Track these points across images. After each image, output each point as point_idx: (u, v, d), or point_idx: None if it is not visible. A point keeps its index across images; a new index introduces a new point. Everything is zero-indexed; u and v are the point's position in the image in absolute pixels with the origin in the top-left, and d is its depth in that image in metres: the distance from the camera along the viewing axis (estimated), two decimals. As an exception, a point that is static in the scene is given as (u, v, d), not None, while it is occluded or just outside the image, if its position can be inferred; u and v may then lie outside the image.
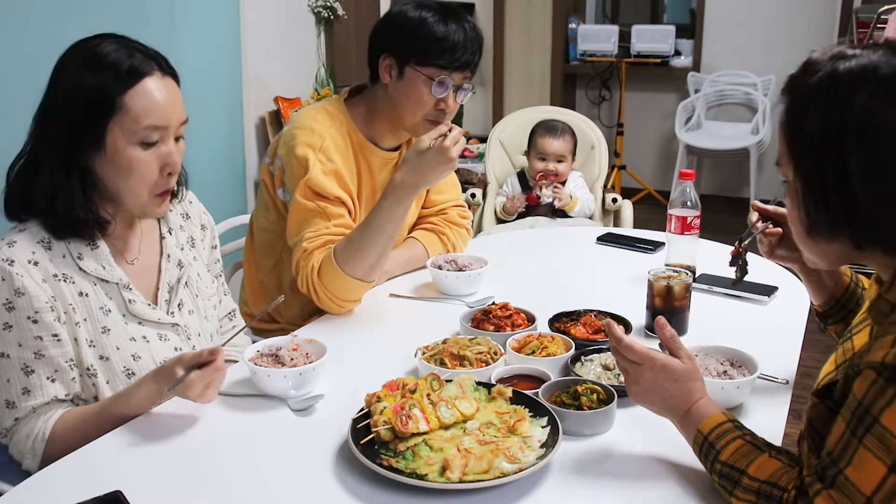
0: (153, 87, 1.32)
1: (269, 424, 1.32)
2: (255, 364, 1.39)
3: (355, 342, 1.63)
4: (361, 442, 1.17)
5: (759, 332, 1.60)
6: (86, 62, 1.31)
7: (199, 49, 3.30)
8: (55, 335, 1.31)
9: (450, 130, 1.67)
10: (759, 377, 1.37)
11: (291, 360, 1.41)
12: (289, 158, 1.79)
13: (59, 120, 1.32)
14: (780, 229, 1.44)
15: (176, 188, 1.44)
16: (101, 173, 1.34)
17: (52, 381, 1.32)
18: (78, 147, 1.31)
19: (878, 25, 3.64)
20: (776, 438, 1.27)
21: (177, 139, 1.38)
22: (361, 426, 1.21)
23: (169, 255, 1.50)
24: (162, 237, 1.51)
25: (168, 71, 1.37)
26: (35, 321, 1.29)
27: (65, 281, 1.34)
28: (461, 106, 1.94)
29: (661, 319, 1.23)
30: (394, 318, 1.78)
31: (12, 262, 1.29)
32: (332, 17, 4.36)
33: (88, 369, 1.36)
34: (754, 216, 1.49)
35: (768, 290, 1.84)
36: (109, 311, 1.39)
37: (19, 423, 1.32)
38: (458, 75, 1.78)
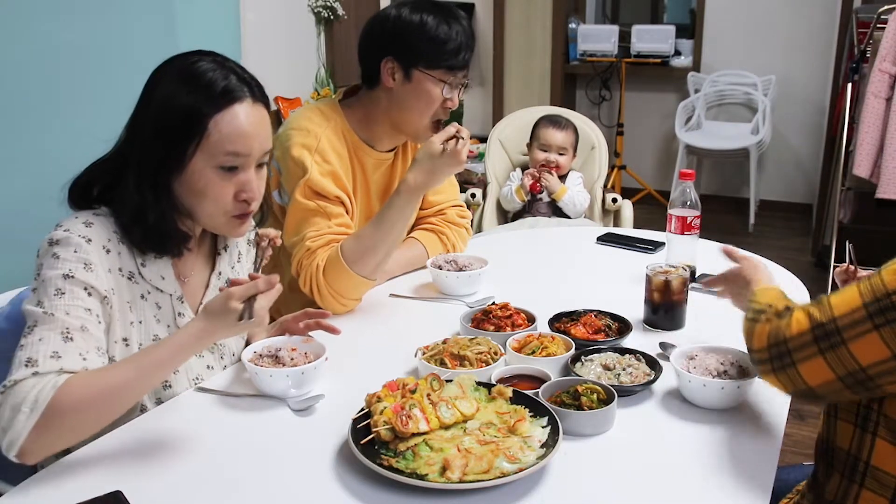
0: (242, 113, 1.30)
1: (269, 424, 1.32)
2: (256, 365, 1.39)
3: (355, 342, 1.63)
4: (361, 442, 1.17)
5: (759, 332, 1.60)
6: (182, 79, 1.29)
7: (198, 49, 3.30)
8: (98, 317, 1.27)
9: (457, 132, 1.70)
10: (759, 377, 1.37)
11: (291, 359, 1.41)
12: (285, 160, 1.80)
13: (148, 134, 1.29)
14: (872, 271, 1.47)
15: (259, 213, 1.42)
16: (177, 192, 1.32)
17: (84, 359, 1.21)
18: (163, 163, 1.29)
19: (878, 25, 3.63)
20: (776, 438, 1.27)
21: (260, 165, 1.35)
22: (361, 426, 1.21)
23: (220, 273, 1.49)
24: (217, 253, 1.49)
25: (260, 98, 1.35)
26: (90, 294, 1.25)
27: (130, 279, 1.33)
28: (461, 105, 1.96)
29: (727, 248, 1.56)
30: (394, 318, 1.78)
31: (90, 240, 1.27)
32: (332, 17, 4.36)
33: None
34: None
35: (768, 290, 1.83)
36: (159, 320, 1.38)
37: (34, 378, 1.16)
38: (461, 74, 1.81)
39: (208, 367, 1.47)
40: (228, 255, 1.51)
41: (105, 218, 1.32)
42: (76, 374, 1.18)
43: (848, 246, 1.53)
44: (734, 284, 1.47)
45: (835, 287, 1.50)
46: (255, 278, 1.24)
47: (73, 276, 1.24)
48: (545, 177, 2.97)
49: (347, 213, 1.83)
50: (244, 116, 1.30)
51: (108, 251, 1.29)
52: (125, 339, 1.32)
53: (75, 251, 1.25)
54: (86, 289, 1.25)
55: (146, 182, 1.29)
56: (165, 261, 1.37)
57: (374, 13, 1.87)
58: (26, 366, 1.17)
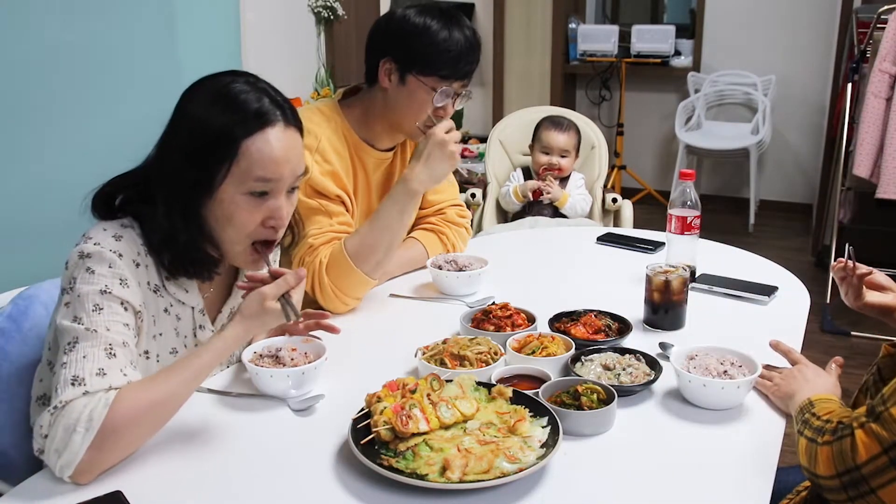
0: (274, 137, 1.27)
1: (269, 424, 1.32)
2: (256, 365, 1.39)
3: (355, 342, 1.63)
4: (361, 442, 1.17)
5: (759, 332, 1.60)
6: (215, 99, 1.27)
7: (199, 49, 3.30)
8: (134, 332, 1.26)
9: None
10: (759, 377, 1.37)
11: (292, 360, 1.41)
12: None
13: (179, 155, 1.27)
14: (871, 269, 1.45)
15: (290, 236, 1.41)
16: (206, 217, 1.30)
17: (125, 374, 1.19)
18: (193, 187, 1.27)
19: (878, 25, 3.64)
20: (776, 438, 1.27)
21: (291, 190, 1.33)
22: (361, 426, 1.21)
23: None
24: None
25: (293, 121, 1.32)
26: (126, 309, 1.24)
27: (155, 292, 1.32)
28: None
29: (778, 344, 1.45)
30: (394, 318, 1.78)
31: (121, 255, 1.26)
32: (332, 17, 4.36)
33: None
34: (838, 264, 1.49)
35: (768, 290, 1.84)
36: (178, 333, 1.38)
37: (84, 398, 1.13)
38: (458, 84, 1.79)
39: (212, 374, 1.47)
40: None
41: (132, 230, 1.30)
42: (124, 389, 1.17)
43: (848, 247, 1.51)
44: (786, 383, 1.35)
45: (834, 287, 1.49)
46: (276, 273, 1.25)
47: (110, 292, 1.23)
48: (548, 186, 2.98)
49: (348, 211, 1.84)
50: (276, 141, 1.28)
51: (137, 265, 1.28)
52: (146, 352, 1.32)
53: (110, 266, 1.24)
54: (122, 304, 1.24)
55: (176, 207, 1.28)
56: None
57: (384, 12, 1.87)
58: (73, 384, 1.14)
